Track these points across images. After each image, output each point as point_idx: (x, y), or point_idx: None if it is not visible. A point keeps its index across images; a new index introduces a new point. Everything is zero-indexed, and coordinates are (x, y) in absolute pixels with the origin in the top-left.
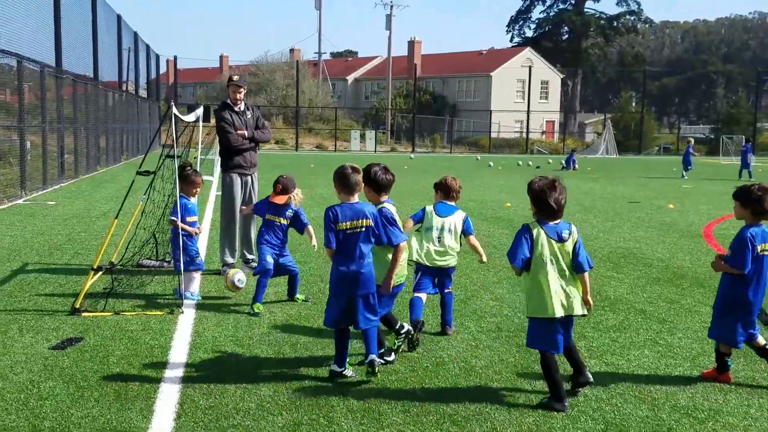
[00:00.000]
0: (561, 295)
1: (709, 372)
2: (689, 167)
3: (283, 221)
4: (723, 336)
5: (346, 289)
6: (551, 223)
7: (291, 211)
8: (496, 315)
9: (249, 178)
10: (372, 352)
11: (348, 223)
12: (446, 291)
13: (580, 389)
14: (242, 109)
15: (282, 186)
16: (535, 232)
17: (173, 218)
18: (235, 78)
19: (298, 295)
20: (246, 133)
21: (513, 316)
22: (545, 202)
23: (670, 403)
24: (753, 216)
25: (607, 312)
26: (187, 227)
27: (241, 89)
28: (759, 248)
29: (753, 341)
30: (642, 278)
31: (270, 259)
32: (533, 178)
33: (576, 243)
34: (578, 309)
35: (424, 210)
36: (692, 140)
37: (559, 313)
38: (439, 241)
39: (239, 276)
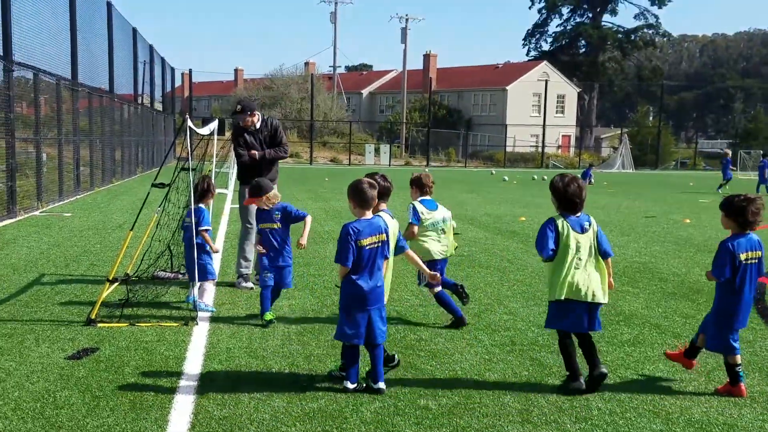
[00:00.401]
0: (573, 281)
1: (723, 387)
2: (727, 179)
3: (275, 226)
4: (721, 346)
5: (365, 305)
6: (573, 216)
7: (278, 212)
8: (510, 329)
9: None
10: (380, 379)
11: (369, 239)
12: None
13: (598, 386)
14: (258, 127)
15: (251, 188)
16: (560, 223)
17: (204, 228)
18: (238, 109)
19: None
20: (257, 154)
21: (527, 330)
22: (568, 198)
23: (685, 417)
24: (738, 226)
25: (622, 326)
26: (211, 243)
27: (247, 120)
28: (742, 257)
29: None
30: (657, 293)
31: (269, 274)
32: (555, 177)
33: (597, 232)
34: (596, 297)
35: (415, 210)
36: (729, 152)
37: (567, 295)
38: (444, 234)
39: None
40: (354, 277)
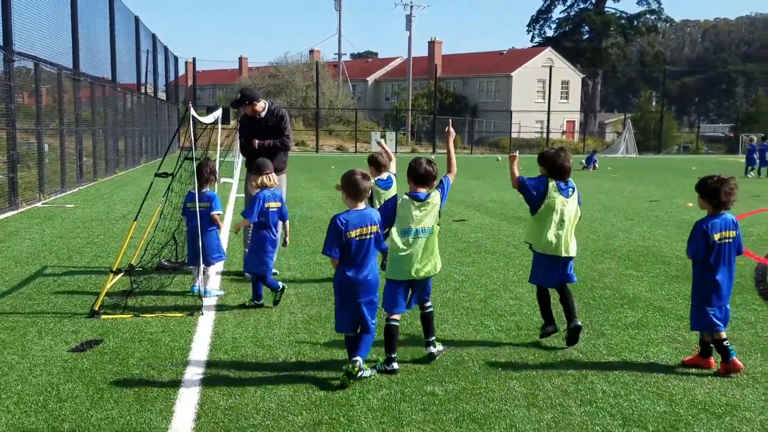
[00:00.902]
0: (554, 238)
1: (721, 367)
2: (754, 165)
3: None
4: (704, 326)
5: (354, 296)
6: (561, 183)
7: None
8: (516, 314)
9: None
10: (360, 355)
11: (357, 231)
12: None
13: (577, 339)
14: (263, 115)
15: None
16: (551, 185)
17: (218, 213)
18: (237, 97)
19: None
20: (255, 143)
21: (532, 315)
22: (556, 166)
23: (688, 398)
24: (713, 207)
25: (626, 309)
26: (219, 224)
27: (247, 109)
28: (716, 237)
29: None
30: (661, 276)
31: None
32: (544, 149)
33: (578, 196)
34: (569, 251)
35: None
36: (755, 138)
37: (549, 251)
38: None
39: None
40: (344, 267)
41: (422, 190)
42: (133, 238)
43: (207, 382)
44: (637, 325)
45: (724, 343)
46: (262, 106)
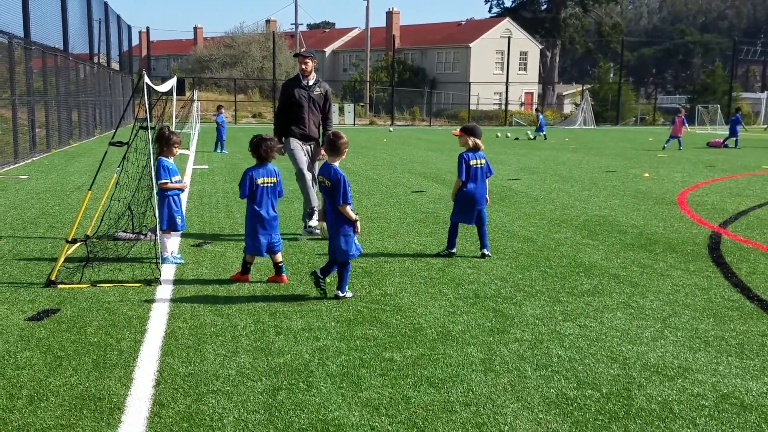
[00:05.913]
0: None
1: (235, 275)
2: (735, 136)
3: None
4: (251, 249)
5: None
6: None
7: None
8: (474, 282)
9: (308, 147)
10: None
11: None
12: None
13: None
14: (310, 84)
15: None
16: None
17: (163, 181)
18: (302, 50)
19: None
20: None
21: (490, 283)
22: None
23: (641, 362)
24: (258, 159)
25: (581, 277)
26: (175, 185)
27: (308, 60)
28: (259, 181)
29: (273, 255)
30: (616, 245)
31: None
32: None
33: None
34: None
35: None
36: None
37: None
38: None
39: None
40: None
41: None
42: (88, 209)
43: (166, 350)
44: (592, 292)
45: (279, 264)
46: (312, 66)
